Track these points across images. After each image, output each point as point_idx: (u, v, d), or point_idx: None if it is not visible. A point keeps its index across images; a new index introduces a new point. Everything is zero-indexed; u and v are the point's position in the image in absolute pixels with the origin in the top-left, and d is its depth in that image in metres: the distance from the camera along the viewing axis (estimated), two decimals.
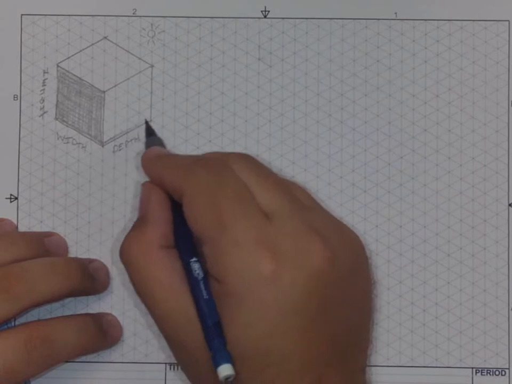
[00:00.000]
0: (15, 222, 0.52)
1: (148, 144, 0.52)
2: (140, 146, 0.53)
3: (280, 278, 0.43)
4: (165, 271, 0.46)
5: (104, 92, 0.53)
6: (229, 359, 0.43)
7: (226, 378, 0.43)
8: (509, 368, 0.52)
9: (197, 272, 0.45)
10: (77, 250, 0.53)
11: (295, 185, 0.49)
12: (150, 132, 0.52)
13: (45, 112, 0.53)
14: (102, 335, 0.50)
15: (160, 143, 0.52)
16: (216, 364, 0.43)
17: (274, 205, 0.45)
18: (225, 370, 0.43)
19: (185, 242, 0.47)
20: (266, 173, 0.48)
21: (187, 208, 0.46)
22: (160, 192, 0.48)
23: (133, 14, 0.53)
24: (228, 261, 0.44)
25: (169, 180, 0.47)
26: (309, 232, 0.45)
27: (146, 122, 0.53)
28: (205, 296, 0.45)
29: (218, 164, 0.47)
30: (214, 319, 0.44)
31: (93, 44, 0.53)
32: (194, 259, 0.46)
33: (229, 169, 0.46)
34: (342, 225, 0.48)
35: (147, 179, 0.50)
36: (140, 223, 0.48)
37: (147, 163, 0.50)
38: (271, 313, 0.43)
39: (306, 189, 0.49)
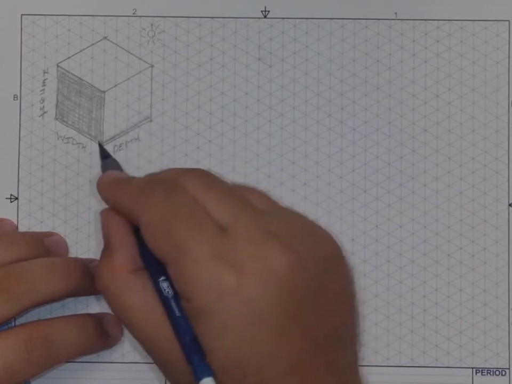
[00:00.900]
0: (15, 222, 0.52)
1: (104, 167, 0.51)
2: (140, 146, 0.53)
3: (245, 289, 0.43)
4: (137, 295, 0.46)
5: (104, 92, 0.53)
6: (210, 372, 0.43)
7: None
8: (509, 368, 0.52)
9: (166, 290, 0.45)
10: (77, 250, 0.53)
11: (252, 192, 0.48)
12: (104, 155, 0.52)
13: (45, 112, 0.53)
14: (102, 335, 0.50)
15: (115, 165, 0.52)
16: (198, 379, 0.43)
17: (229, 218, 0.45)
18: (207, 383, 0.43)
19: (151, 263, 0.46)
20: (218, 186, 0.47)
21: (145, 232, 0.45)
22: (118, 218, 0.47)
23: (133, 14, 0.53)
24: (191, 280, 0.43)
25: (124, 206, 0.47)
26: (267, 238, 0.44)
27: (100, 145, 0.52)
28: (177, 313, 0.45)
29: (169, 184, 0.46)
30: (190, 334, 0.44)
31: (93, 44, 0.53)
32: (162, 278, 0.46)
33: (180, 189, 0.46)
34: (307, 225, 0.47)
35: None
36: (105, 251, 0.47)
37: (102, 189, 0.49)
38: (241, 324, 0.43)
39: (265, 193, 0.48)
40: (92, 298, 0.52)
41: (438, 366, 0.52)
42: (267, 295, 0.43)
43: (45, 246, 0.51)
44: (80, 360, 0.51)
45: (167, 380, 0.52)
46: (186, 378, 0.45)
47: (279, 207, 0.48)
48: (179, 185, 0.46)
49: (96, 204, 0.53)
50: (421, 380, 0.52)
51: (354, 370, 0.47)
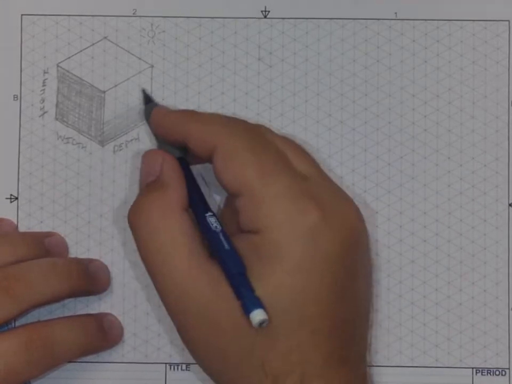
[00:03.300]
0: (15, 222, 0.52)
1: (147, 111, 0.51)
2: (140, 146, 0.53)
3: (322, 232, 0.44)
4: (186, 232, 0.45)
5: (104, 92, 0.53)
6: (261, 304, 0.43)
7: (261, 323, 0.42)
8: (509, 368, 0.52)
9: (214, 225, 0.45)
10: (77, 250, 0.53)
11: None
12: (148, 99, 0.52)
13: (45, 112, 0.53)
14: (102, 335, 0.50)
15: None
16: (248, 311, 0.43)
17: (308, 170, 0.46)
18: (258, 315, 0.42)
19: (199, 201, 0.47)
20: (298, 146, 0.49)
21: (222, 161, 0.45)
22: (170, 156, 0.48)
23: (133, 14, 0.53)
24: (271, 211, 0.44)
25: (198, 135, 0.47)
26: (343, 196, 0.47)
27: (144, 91, 0.52)
28: (227, 247, 0.44)
29: (254, 126, 0.48)
30: (240, 268, 0.44)
31: (93, 44, 0.53)
32: (210, 213, 0.46)
33: (265, 133, 0.47)
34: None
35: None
36: (156, 186, 0.47)
37: (163, 122, 0.49)
38: (310, 265, 0.44)
39: None
40: (92, 298, 0.52)
41: (438, 366, 0.52)
42: (339, 243, 0.44)
43: (45, 246, 0.51)
44: (80, 360, 0.51)
45: (166, 375, 0.52)
46: (229, 323, 0.44)
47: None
48: (261, 129, 0.48)
49: (97, 204, 0.53)
50: (421, 380, 0.52)
51: (364, 364, 0.48)
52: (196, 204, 0.47)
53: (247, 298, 0.43)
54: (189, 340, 0.46)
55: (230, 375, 0.45)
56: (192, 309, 0.45)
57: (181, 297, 0.45)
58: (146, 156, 0.49)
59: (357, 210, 0.47)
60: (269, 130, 0.48)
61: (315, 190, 0.45)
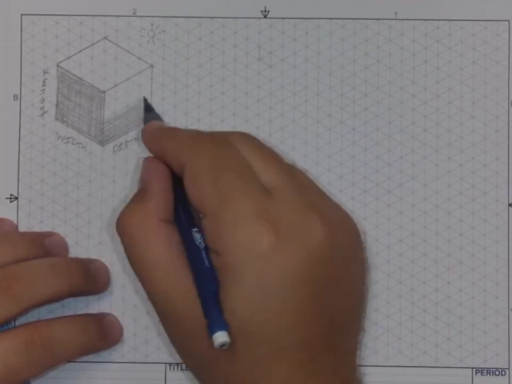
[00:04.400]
0: (15, 222, 0.53)
1: (147, 120, 0.52)
2: (140, 146, 0.53)
3: (280, 253, 0.44)
4: (163, 244, 0.46)
5: (104, 92, 0.53)
6: (225, 327, 0.43)
7: (222, 345, 0.43)
8: (509, 368, 0.52)
9: (199, 241, 0.46)
10: (77, 250, 0.53)
11: (296, 168, 0.49)
12: (148, 108, 0.52)
13: (45, 112, 0.53)
14: (102, 335, 0.50)
15: (158, 118, 0.52)
16: (212, 331, 0.43)
17: (275, 182, 0.46)
18: (220, 337, 0.43)
19: (185, 215, 0.47)
20: (268, 152, 0.48)
21: (189, 181, 0.46)
22: (162, 166, 0.48)
23: (133, 14, 0.53)
24: (228, 233, 0.44)
25: (171, 152, 0.47)
26: (309, 209, 0.45)
27: (144, 99, 0.53)
28: (207, 264, 0.45)
29: (221, 140, 0.47)
30: (214, 287, 0.44)
31: (93, 44, 0.53)
32: (195, 229, 0.46)
33: (231, 146, 0.47)
34: (340, 208, 0.49)
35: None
36: (141, 195, 0.48)
37: (148, 136, 0.50)
38: (269, 287, 0.43)
39: (306, 172, 0.50)
40: (92, 298, 0.52)
41: (438, 366, 0.52)
42: (300, 265, 0.44)
43: (45, 246, 0.51)
44: (80, 360, 0.51)
45: (166, 375, 0.52)
46: (193, 335, 0.45)
47: (318, 187, 0.49)
48: (228, 142, 0.47)
49: (97, 204, 0.53)
50: (421, 380, 0.52)
51: (354, 356, 0.48)
52: (182, 219, 0.47)
53: (214, 318, 0.43)
54: (170, 340, 0.48)
55: (203, 380, 0.47)
56: (167, 313, 0.46)
57: (157, 301, 0.47)
58: (143, 162, 0.50)
59: (323, 224, 0.45)
60: (239, 141, 0.47)
61: (275, 209, 0.45)
